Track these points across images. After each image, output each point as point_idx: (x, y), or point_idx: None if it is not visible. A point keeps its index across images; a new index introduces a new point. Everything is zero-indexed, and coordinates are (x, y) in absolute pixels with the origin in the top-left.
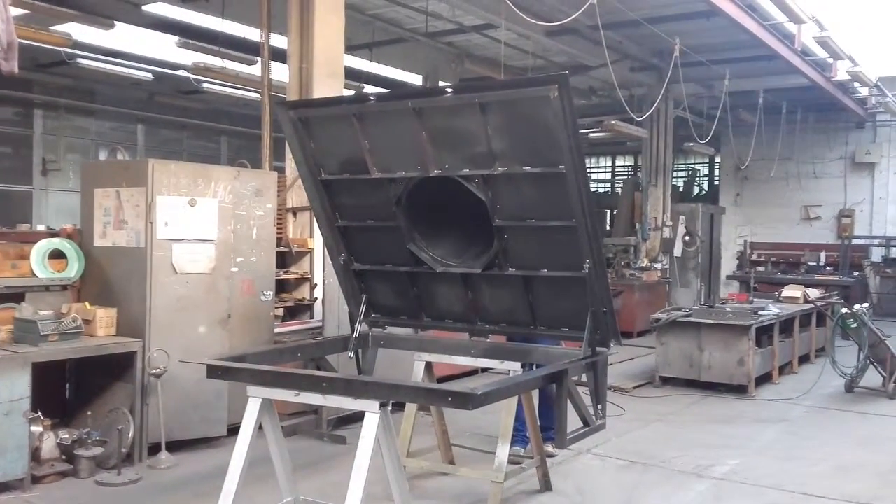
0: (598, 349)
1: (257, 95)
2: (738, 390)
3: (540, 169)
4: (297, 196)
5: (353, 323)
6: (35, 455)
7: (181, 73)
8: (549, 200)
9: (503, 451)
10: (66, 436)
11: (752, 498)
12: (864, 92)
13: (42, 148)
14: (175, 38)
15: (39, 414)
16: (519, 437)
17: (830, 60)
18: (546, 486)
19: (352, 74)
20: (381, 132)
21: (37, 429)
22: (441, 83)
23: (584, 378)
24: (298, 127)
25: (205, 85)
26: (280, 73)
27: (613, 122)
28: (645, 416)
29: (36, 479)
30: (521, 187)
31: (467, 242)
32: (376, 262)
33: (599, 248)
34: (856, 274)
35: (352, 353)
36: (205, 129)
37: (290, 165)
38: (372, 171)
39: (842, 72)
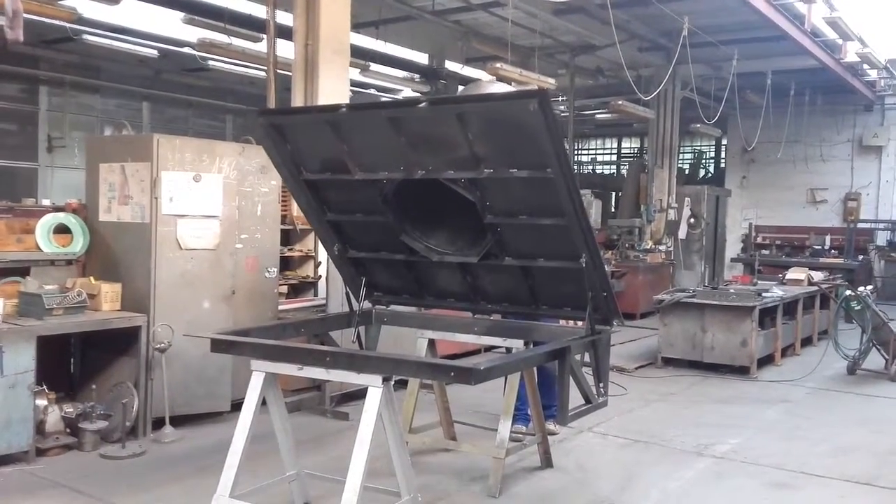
0: (600, 327)
1: (263, 73)
2: (740, 371)
3: (527, 173)
4: None
5: (351, 304)
6: (40, 428)
7: (187, 50)
8: (540, 199)
9: (505, 428)
10: (71, 409)
11: (752, 476)
12: (872, 74)
13: (47, 125)
14: (181, 14)
15: (44, 387)
16: (521, 415)
17: (840, 41)
18: (547, 462)
19: (358, 52)
20: (359, 137)
21: (41, 402)
22: (447, 62)
23: (586, 359)
24: (272, 132)
25: (210, 62)
26: (286, 50)
27: (620, 102)
28: (646, 395)
29: (40, 452)
30: (509, 187)
31: (462, 230)
32: (372, 249)
33: (594, 241)
34: (860, 257)
35: (354, 338)
36: (210, 107)
37: None
38: (354, 172)
39: (851, 53)
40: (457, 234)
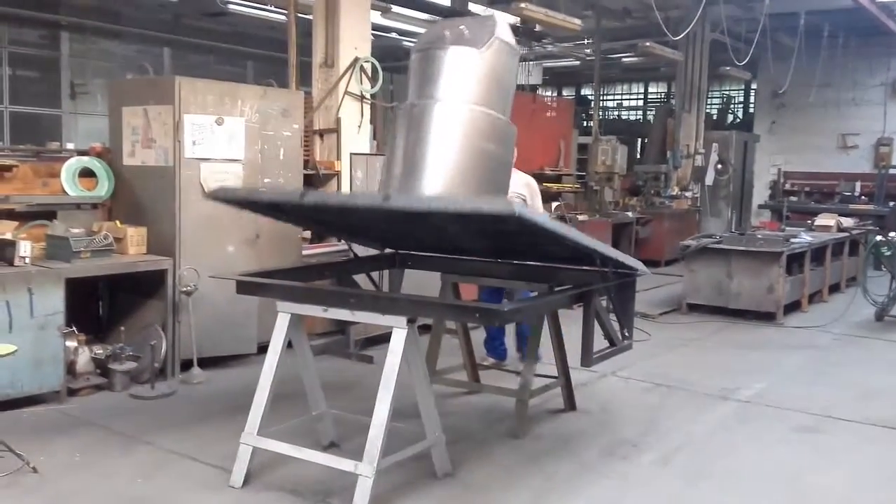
0: (624, 270)
1: (283, 17)
2: (766, 318)
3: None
4: (324, 118)
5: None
6: (70, 369)
7: None
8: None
9: (529, 371)
10: (101, 351)
11: (777, 420)
12: None
13: (69, 71)
14: None
15: (74, 329)
16: (500, 350)
17: None
18: (571, 405)
19: None
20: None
21: (72, 343)
22: (471, 4)
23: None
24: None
25: (230, 6)
26: None
27: (648, 44)
28: (670, 341)
29: (72, 392)
30: (507, 238)
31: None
32: (384, 238)
33: (606, 249)
34: (891, 204)
35: (380, 281)
36: (231, 52)
37: (318, 87)
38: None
39: None
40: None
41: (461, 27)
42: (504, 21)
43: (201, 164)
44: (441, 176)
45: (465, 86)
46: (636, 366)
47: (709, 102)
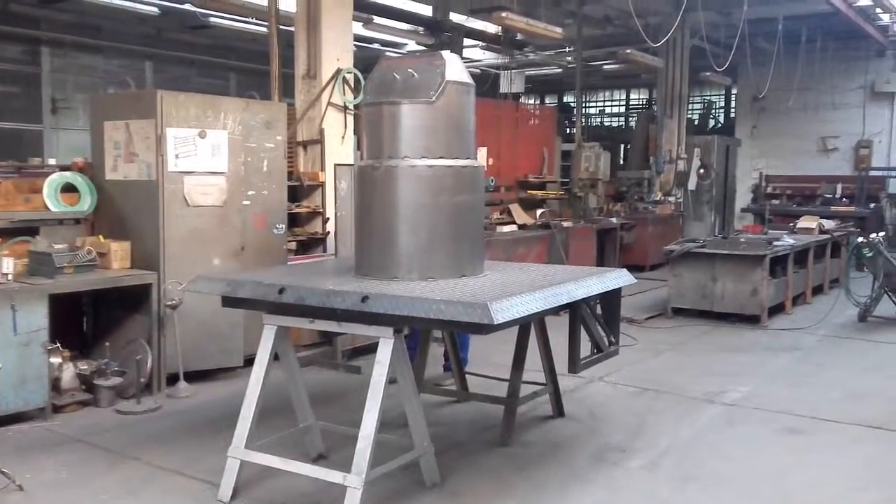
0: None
1: (265, 29)
2: (751, 320)
3: None
4: (308, 129)
5: None
6: (55, 385)
7: (187, 6)
8: None
9: (516, 378)
10: (86, 367)
11: (764, 423)
12: (885, 18)
13: (51, 87)
14: None
15: (58, 345)
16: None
17: None
18: (559, 411)
19: (360, 6)
20: None
21: (56, 360)
22: (452, 14)
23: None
24: None
25: (211, 19)
26: (288, 3)
27: (629, 51)
28: (656, 345)
29: (57, 409)
30: None
31: None
32: None
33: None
34: (872, 205)
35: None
36: (213, 65)
37: (300, 98)
38: None
39: None
40: None
41: (409, 70)
42: (453, 59)
43: (185, 178)
44: (415, 246)
45: (424, 143)
46: (623, 371)
47: (690, 108)
